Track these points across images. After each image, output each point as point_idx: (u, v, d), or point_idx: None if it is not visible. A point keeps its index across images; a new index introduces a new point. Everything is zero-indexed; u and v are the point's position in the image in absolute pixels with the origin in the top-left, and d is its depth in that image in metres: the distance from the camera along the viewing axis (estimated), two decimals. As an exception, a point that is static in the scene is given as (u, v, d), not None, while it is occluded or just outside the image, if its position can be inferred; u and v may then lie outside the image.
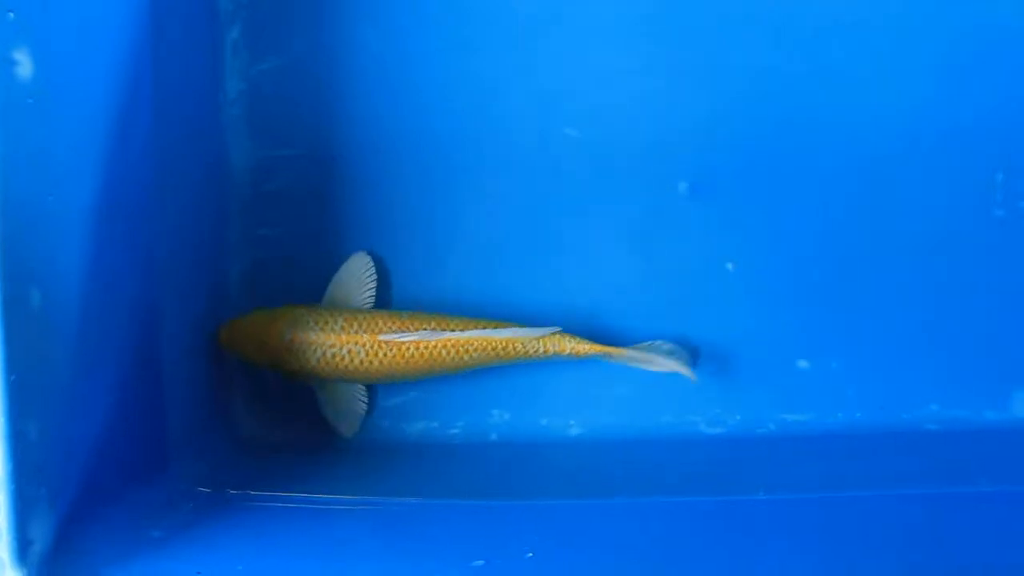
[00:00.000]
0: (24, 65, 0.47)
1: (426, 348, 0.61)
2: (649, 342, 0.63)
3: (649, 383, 0.66)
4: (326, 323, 0.62)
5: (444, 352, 0.62)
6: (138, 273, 0.57)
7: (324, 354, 0.62)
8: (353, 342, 0.61)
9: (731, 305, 0.66)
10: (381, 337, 0.61)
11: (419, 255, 0.66)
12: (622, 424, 0.66)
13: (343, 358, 0.62)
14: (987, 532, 0.54)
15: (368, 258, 0.65)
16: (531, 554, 0.51)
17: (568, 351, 0.63)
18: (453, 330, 0.61)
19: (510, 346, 0.62)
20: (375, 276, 0.64)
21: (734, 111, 0.65)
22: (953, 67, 0.65)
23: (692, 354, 0.65)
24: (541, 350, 0.62)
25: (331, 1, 0.65)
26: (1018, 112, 0.65)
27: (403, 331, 0.61)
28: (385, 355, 0.62)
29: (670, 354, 0.63)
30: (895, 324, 0.66)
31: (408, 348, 0.61)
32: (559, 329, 0.62)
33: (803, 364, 0.66)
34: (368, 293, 0.64)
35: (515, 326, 0.62)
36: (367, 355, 0.62)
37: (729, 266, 0.66)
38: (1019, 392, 0.66)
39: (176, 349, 0.60)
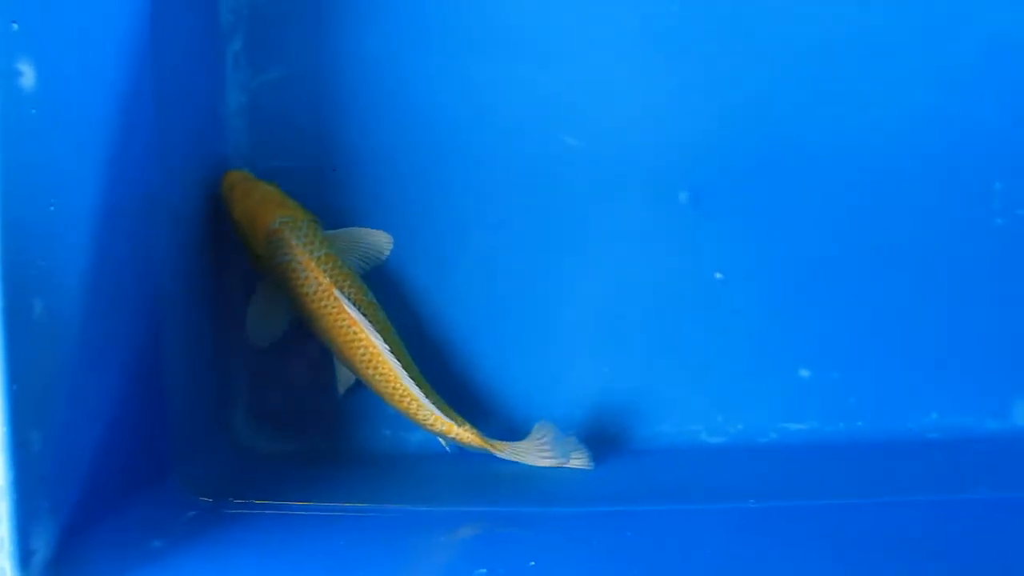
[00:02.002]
0: (27, 76, 0.47)
1: (352, 331, 0.61)
2: (537, 437, 0.62)
3: (649, 391, 0.66)
4: (311, 243, 0.62)
5: (360, 350, 0.61)
6: (139, 282, 0.57)
7: (288, 261, 0.62)
8: (315, 275, 0.61)
9: (732, 314, 0.66)
10: (336, 291, 0.61)
11: (420, 264, 0.66)
12: (622, 433, 0.66)
13: (297, 278, 0.61)
14: (988, 539, 0.54)
15: (389, 241, 0.65)
16: (533, 563, 0.51)
17: (454, 436, 0.62)
18: (387, 347, 0.61)
19: (406, 399, 0.62)
20: (382, 259, 0.65)
21: (735, 121, 0.65)
22: (951, 77, 0.66)
23: (577, 440, 0.63)
24: (429, 422, 0.62)
25: (332, 13, 0.66)
26: (1016, 121, 0.66)
27: (357, 305, 0.61)
28: (325, 306, 0.61)
29: (556, 446, 0.62)
30: (896, 333, 0.66)
31: (343, 318, 0.61)
32: (465, 426, 0.62)
33: (804, 373, 0.66)
34: (365, 261, 0.64)
35: (433, 399, 0.62)
36: (314, 293, 0.61)
37: (721, 275, 0.66)
38: (1020, 400, 0.66)
39: (177, 358, 0.61)
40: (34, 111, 0.47)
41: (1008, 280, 0.66)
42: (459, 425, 0.62)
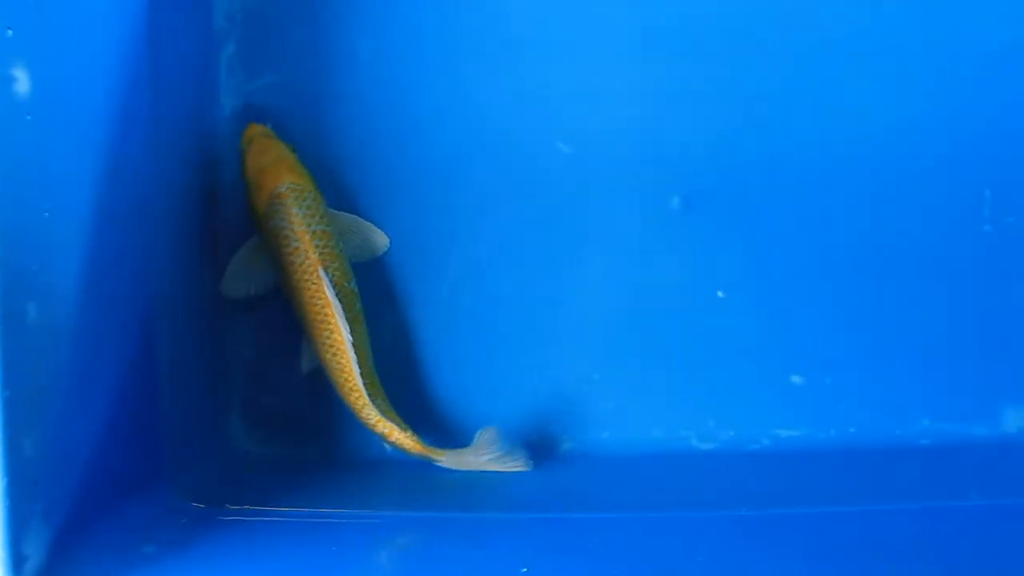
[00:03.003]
0: (22, 82, 0.47)
1: (324, 312, 0.61)
2: (479, 443, 0.62)
3: (641, 397, 0.66)
4: (311, 216, 0.62)
5: (326, 332, 0.61)
6: (133, 287, 0.57)
7: (283, 227, 0.62)
8: (305, 247, 0.61)
9: (724, 320, 0.66)
10: (321, 269, 0.61)
11: (413, 269, 0.66)
12: (613, 439, 0.66)
13: (288, 245, 0.62)
14: (980, 546, 0.54)
15: (386, 244, 0.65)
16: (526, 569, 0.51)
17: (394, 440, 0.62)
18: (351, 338, 0.61)
19: (354, 394, 0.62)
20: (374, 256, 0.65)
21: (727, 128, 0.66)
22: (942, 85, 0.66)
23: (516, 445, 0.63)
24: (372, 422, 0.62)
25: (326, 19, 0.66)
26: (1004, 129, 0.66)
27: (337, 289, 0.61)
28: (307, 280, 0.61)
29: (497, 451, 0.62)
30: (887, 339, 0.66)
31: (319, 297, 0.61)
32: (407, 432, 0.62)
33: (796, 379, 0.66)
34: (357, 252, 0.64)
35: (380, 400, 0.62)
36: (300, 265, 0.61)
37: (721, 293, 0.66)
38: (1010, 407, 0.67)
39: (171, 364, 0.60)
40: (29, 117, 0.47)
41: (997, 287, 0.66)
42: (401, 430, 0.62)
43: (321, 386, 0.65)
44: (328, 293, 0.61)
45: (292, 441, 0.66)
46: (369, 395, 0.62)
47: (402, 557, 0.56)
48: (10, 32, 0.46)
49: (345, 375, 0.62)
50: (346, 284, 0.63)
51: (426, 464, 0.64)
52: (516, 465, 0.63)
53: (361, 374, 0.61)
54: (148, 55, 0.58)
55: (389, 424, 0.62)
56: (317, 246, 0.62)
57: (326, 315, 0.61)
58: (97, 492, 0.53)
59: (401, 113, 0.66)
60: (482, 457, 0.62)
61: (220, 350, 0.66)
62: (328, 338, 0.62)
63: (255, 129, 0.64)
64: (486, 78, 0.66)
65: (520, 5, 0.66)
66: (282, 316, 0.65)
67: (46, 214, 0.48)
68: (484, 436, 0.62)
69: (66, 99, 0.50)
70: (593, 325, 0.66)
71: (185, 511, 0.58)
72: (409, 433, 0.62)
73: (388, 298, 0.66)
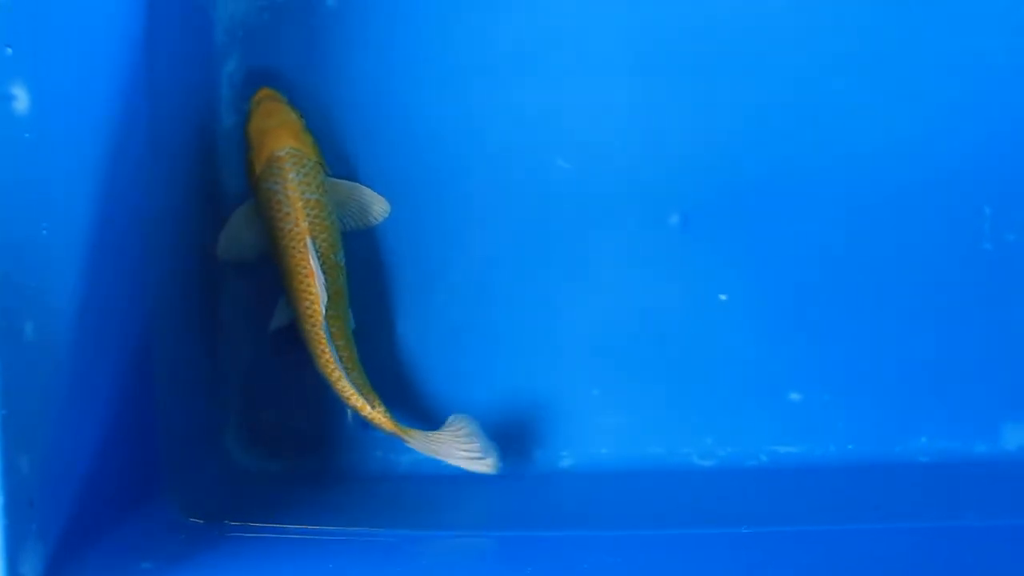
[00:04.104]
0: (21, 100, 0.47)
1: (306, 282, 0.61)
2: (452, 429, 0.62)
3: (640, 414, 0.66)
4: (306, 184, 0.62)
5: (307, 302, 0.61)
6: (130, 304, 0.57)
7: (277, 191, 0.62)
8: (296, 215, 0.61)
9: (723, 337, 0.66)
10: (308, 239, 0.61)
11: (410, 284, 0.66)
12: (613, 456, 0.66)
13: (280, 210, 0.62)
14: (977, 567, 0.54)
15: (386, 210, 0.65)
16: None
17: (366, 416, 0.62)
18: (332, 313, 0.61)
19: (330, 366, 0.61)
20: (372, 224, 0.65)
21: (726, 144, 0.66)
22: (941, 102, 0.66)
23: (488, 440, 0.63)
24: (346, 395, 0.62)
25: (325, 35, 0.66)
26: (1004, 146, 0.66)
27: (323, 261, 0.61)
28: (294, 248, 0.61)
29: (471, 441, 0.62)
30: (886, 356, 0.66)
31: (304, 266, 0.61)
32: (379, 408, 0.62)
33: (795, 396, 0.66)
34: (356, 220, 0.65)
35: (356, 375, 0.62)
36: (289, 231, 0.61)
37: (721, 297, 0.66)
38: (1008, 424, 0.66)
39: (169, 380, 0.60)
40: (28, 135, 0.47)
41: (997, 304, 0.66)
42: (372, 407, 0.62)
43: (318, 400, 0.65)
44: (313, 263, 0.61)
45: (290, 456, 0.66)
46: (345, 368, 0.61)
47: (398, 573, 0.55)
48: (9, 50, 0.47)
49: (322, 347, 0.61)
50: (332, 257, 0.62)
51: (428, 480, 0.64)
52: (484, 465, 0.62)
53: (337, 347, 0.61)
54: (147, 70, 0.58)
55: (360, 399, 0.62)
56: (308, 215, 0.62)
57: (308, 286, 0.61)
58: (94, 509, 0.52)
59: (400, 129, 0.66)
60: (452, 447, 0.62)
61: (217, 365, 0.66)
62: (308, 310, 0.62)
63: (265, 92, 0.64)
64: (486, 95, 0.66)
65: (519, 22, 0.66)
66: (277, 331, 0.65)
67: (44, 232, 0.48)
68: (458, 424, 0.62)
69: (65, 117, 0.50)
70: (592, 342, 0.66)
71: (183, 527, 0.58)
72: (381, 410, 0.62)
73: (386, 312, 0.66)
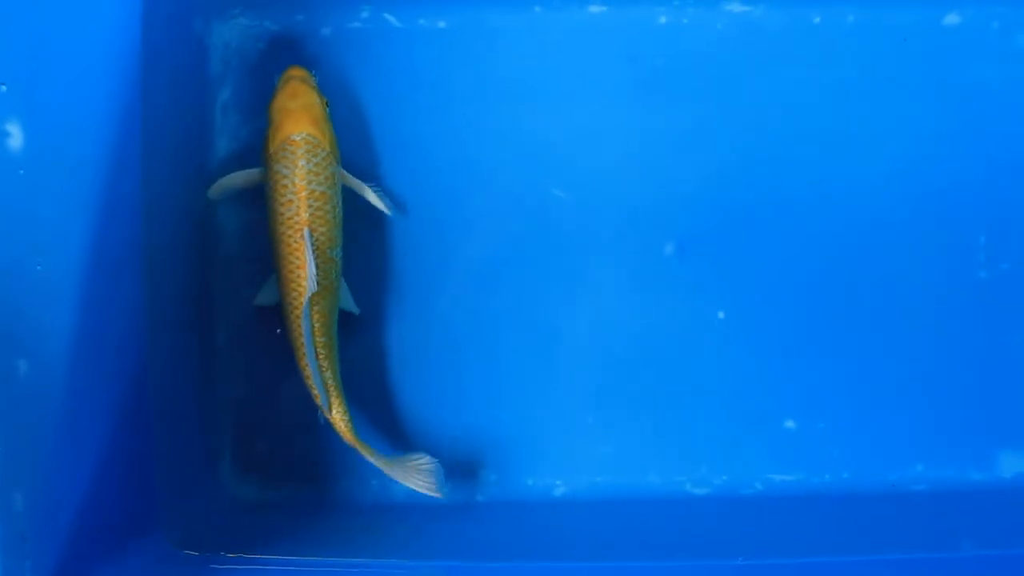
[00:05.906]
0: (15, 137, 0.47)
1: (297, 273, 0.61)
2: (408, 464, 0.62)
3: (635, 442, 0.66)
4: (316, 173, 0.61)
5: (294, 292, 0.61)
6: (124, 337, 0.57)
7: (285, 175, 0.61)
8: (299, 204, 0.61)
9: (717, 366, 0.66)
10: (306, 230, 0.60)
11: (406, 311, 0.66)
12: (608, 484, 0.66)
13: (284, 195, 0.61)
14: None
15: (388, 214, 0.65)
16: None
17: (328, 419, 0.62)
18: (314, 325, 0.60)
19: (303, 361, 0.61)
20: (375, 213, 0.65)
21: (721, 174, 0.66)
22: (936, 130, 0.66)
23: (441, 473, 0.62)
24: (314, 393, 0.61)
25: (319, 63, 0.66)
26: (1000, 175, 0.66)
27: (318, 254, 0.60)
28: (291, 236, 0.61)
29: (419, 472, 0.61)
30: (881, 384, 0.66)
31: (298, 256, 0.61)
32: (342, 415, 0.61)
33: (790, 424, 0.66)
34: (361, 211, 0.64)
35: (330, 374, 0.61)
36: (289, 218, 0.61)
37: (719, 318, 0.66)
38: (1004, 452, 0.66)
39: (163, 413, 0.60)
40: (22, 171, 0.47)
41: (993, 332, 0.67)
42: (333, 410, 0.61)
43: (313, 429, 0.65)
44: (307, 255, 0.60)
45: (285, 486, 0.66)
46: (318, 365, 0.61)
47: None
48: (4, 88, 0.47)
49: (301, 339, 0.61)
50: (328, 252, 0.62)
51: (424, 510, 0.63)
52: (430, 490, 0.61)
53: (316, 343, 0.60)
54: (142, 101, 0.58)
55: (325, 398, 0.61)
56: (311, 206, 0.61)
57: (298, 276, 0.61)
58: (89, 542, 0.52)
59: (396, 159, 0.66)
60: (409, 480, 0.61)
61: (210, 396, 0.66)
62: (294, 299, 0.61)
63: (296, 72, 0.63)
64: (481, 124, 0.66)
65: (516, 53, 0.66)
66: (271, 360, 0.65)
67: (38, 268, 0.48)
68: (422, 464, 0.61)
69: (59, 153, 0.50)
70: (587, 370, 0.66)
71: (177, 559, 0.58)
72: (344, 418, 0.61)
73: (382, 335, 0.66)
